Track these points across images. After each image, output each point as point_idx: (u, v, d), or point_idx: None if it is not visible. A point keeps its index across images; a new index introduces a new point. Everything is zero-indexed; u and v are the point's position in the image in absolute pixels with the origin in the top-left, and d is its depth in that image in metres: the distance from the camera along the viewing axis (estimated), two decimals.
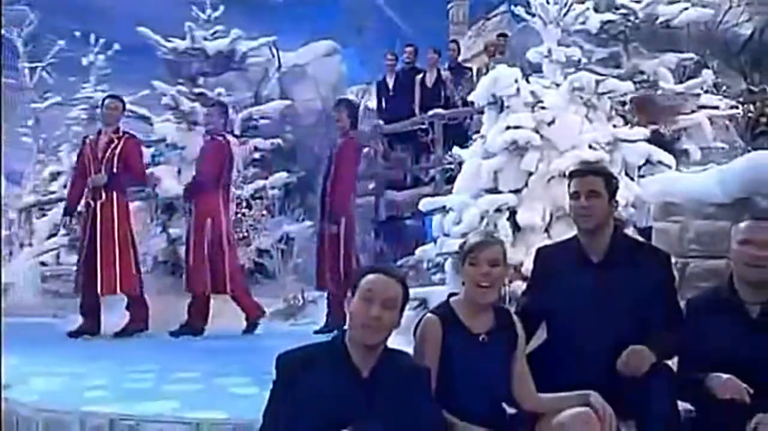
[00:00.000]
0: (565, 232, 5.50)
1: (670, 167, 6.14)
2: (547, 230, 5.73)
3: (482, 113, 6.50)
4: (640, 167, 6.17)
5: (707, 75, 8.81)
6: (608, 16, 9.10)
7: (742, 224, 3.88)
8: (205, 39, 10.45)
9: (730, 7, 10.29)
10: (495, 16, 14.14)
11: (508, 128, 5.78)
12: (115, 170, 7.92)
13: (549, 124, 5.84)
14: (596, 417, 3.43)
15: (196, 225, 8.12)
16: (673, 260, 5.33)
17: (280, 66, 11.88)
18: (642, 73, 9.00)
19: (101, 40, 12.88)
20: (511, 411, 3.72)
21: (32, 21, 12.80)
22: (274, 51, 11.73)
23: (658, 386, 3.62)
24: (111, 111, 8.20)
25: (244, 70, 11.02)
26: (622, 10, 9.06)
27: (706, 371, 3.74)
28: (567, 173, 4.24)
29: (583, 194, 3.97)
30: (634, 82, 8.99)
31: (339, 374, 3.12)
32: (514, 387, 3.65)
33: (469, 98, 6.57)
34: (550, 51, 6.27)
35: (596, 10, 9.34)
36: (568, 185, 4.10)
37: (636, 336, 3.78)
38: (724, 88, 9.72)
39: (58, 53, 13.06)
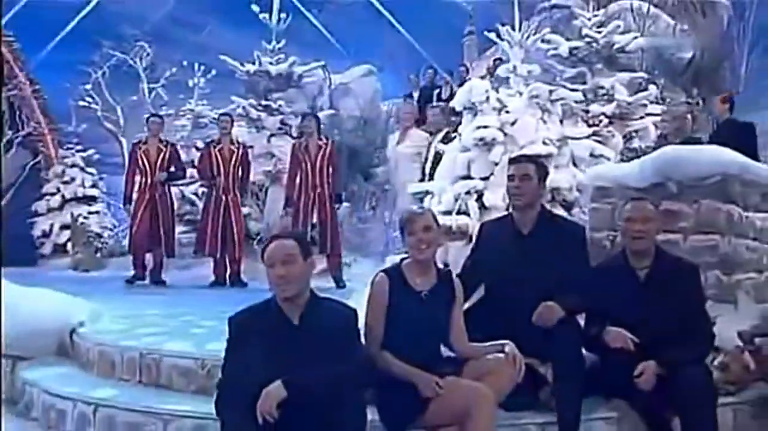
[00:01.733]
0: None
1: (609, 159, 5.68)
2: (507, 209, 5.30)
3: None
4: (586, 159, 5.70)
5: (652, 89, 8.36)
6: (575, 43, 8.67)
7: (627, 205, 3.62)
8: (270, 63, 10.16)
9: (675, 36, 9.72)
10: (493, 45, 13.59)
11: (477, 127, 5.37)
12: (167, 169, 8.15)
13: (512, 124, 5.46)
14: (509, 361, 3.12)
15: (234, 206, 8.14)
16: (605, 233, 4.95)
17: (330, 84, 11.54)
18: (602, 88, 8.58)
19: (202, 67, 12.69)
20: (450, 354, 3.37)
21: (149, 53, 12.67)
22: (326, 73, 11.38)
23: (564, 336, 3.31)
24: (156, 126, 8.34)
25: (301, 87, 10.69)
26: (587, 39, 8.62)
27: (607, 325, 3.43)
28: (508, 161, 3.85)
29: (517, 177, 3.64)
30: (596, 95, 8.60)
31: (274, 325, 2.85)
32: (451, 335, 3.32)
33: (450, 105, 6.18)
34: (515, 67, 5.82)
35: (568, 39, 8.93)
36: (507, 170, 3.72)
37: (553, 294, 3.41)
38: (668, 100, 9.22)
39: (169, 77, 12.90)
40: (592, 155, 5.67)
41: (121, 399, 3.58)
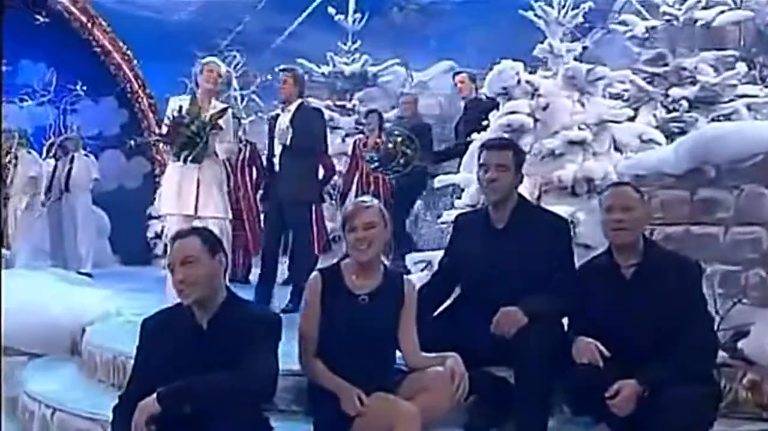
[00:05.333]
0: (553, 202, 4.49)
1: (660, 145, 4.89)
2: (537, 200, 4.68)
3: None
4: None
5: (740, 67, 7.27)
6: (652, 22, 7.75)
7: (606, 192, 2.93)
8: (345, 64, 9.93)
9: None
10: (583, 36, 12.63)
11: (505, 113, 4.79)
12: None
13: (544, 108, 4.80)
14: (447, 377, 2.62)
15: None
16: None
17: (412, 81, 11.13)
18: (684, 69, 7.59)
19: None
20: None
21: (240, 62, 12.75)
22: (408, 71, 11.00)
23: (524, 345, 2.73)
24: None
25: (381, 87, 10.35)
26: (666, 17, 7.68)
27: (590, 331, 2.80)
28: (480, 145, 3.29)
29: (492, 167, 3.06)
30: (680, 78, 7.66)
31: (181, 330, 2.51)
32: (401, 344, 2.82)
33: (480, 90, 5.58)
34: (551, 47, 5.16)
35: (643, 18, 8.02)
36: (479, 157, 3.17)
37: (529, 295, 2.84)
38: None
39: (260, 84, 12.92)
40: (640, 139, 4.90)
41: (79, 403, 3.39)
